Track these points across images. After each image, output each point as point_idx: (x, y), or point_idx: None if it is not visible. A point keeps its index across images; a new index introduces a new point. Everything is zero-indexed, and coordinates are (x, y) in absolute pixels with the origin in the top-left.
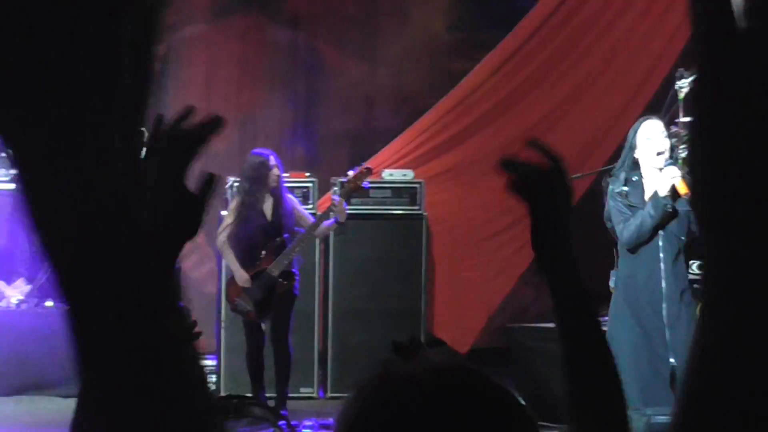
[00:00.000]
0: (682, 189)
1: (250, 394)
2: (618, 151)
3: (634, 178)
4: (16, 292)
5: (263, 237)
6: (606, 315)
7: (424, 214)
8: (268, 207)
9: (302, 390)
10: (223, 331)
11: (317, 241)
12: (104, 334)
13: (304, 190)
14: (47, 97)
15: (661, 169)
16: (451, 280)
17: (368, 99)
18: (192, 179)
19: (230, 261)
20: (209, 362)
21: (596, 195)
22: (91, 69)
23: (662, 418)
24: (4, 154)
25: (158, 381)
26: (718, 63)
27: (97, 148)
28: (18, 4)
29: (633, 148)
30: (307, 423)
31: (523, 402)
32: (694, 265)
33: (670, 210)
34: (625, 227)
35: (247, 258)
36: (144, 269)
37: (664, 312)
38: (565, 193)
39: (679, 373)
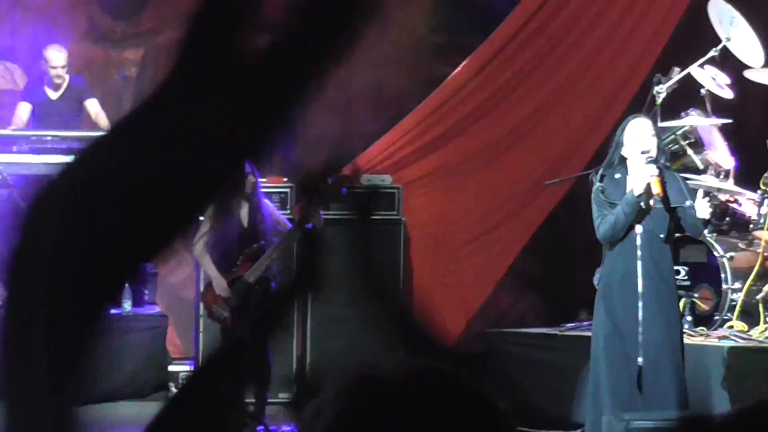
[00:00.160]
0: (656, 188)
1: None
2: (597, 154)
3: (616, 176)
4: None
5: (240, 244)
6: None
7: (402, 219)
8: (244, 213)
9: (281, 395)
10: (201, 337)
11: (294, 246)
12: None
13: (282, 195)
14: None
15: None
16: (429, 285)
17: (347, 103)
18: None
19: (208, 268)
20: (187, 367)
21: (575, 199)
22: None
23: (641, 423)
24: None
25: None
26: None
27: None
28: None
29: (620, 145)
30: (286, 428)
31: (501, 406)
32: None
33: (644, 207)
34: (600, 223)
35: (223, 265)
36: None
37: (640, 311)
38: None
39: (647, 374)
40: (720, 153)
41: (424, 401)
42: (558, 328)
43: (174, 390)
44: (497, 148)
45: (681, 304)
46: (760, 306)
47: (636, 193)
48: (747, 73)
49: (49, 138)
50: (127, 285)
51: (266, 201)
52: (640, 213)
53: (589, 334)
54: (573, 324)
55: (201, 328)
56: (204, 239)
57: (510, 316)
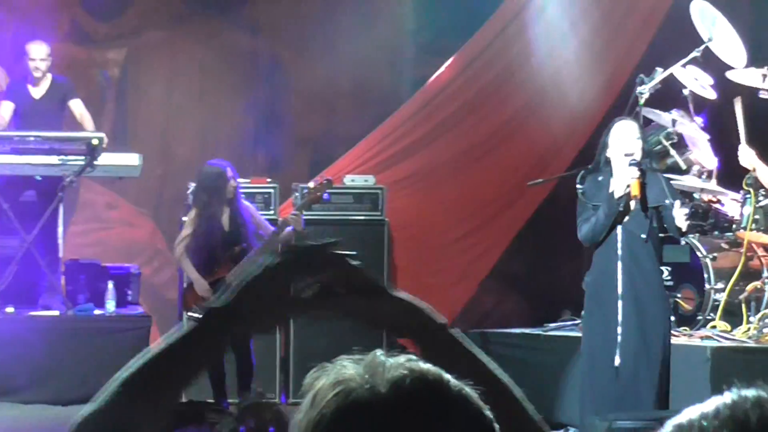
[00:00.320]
0: (634, 190)
1: (211, 401)
2: (580, 155)
3: (599, 178)
4: None
5: (222, 247)
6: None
7: (386, 219)
8: (225, 217)
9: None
10: None
11: (279, 247)
12: None
13: (266, 195)
14: None
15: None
16: (412, 285)
17: (329, 104)
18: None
19: (189, 271)
20: None
21: (558, 199)
22: None
23: (624, 424)
24: None
25: None
26: None
27: None
28: None
29: (605, 147)
30: (269, 429)
31: (488, 412)
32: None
33: (622, 209)
34: (582, 225)
35: (205, 268)
36: None
37: (619, 312)
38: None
39: (623, 376)
40: (703, 153)
41: (407, 408)
42: (541, 329)
43: None
44: (481, 149)
45: None
46: (743, 306)
47: (616, 195)
48: (729, 74)
49: (32, 138)
50: (111, 286)
51: (247, 204)
52: (621, 214)
53: (572, 334)
54: (556, 324)
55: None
56: (185, 242)
57: (493, 317)
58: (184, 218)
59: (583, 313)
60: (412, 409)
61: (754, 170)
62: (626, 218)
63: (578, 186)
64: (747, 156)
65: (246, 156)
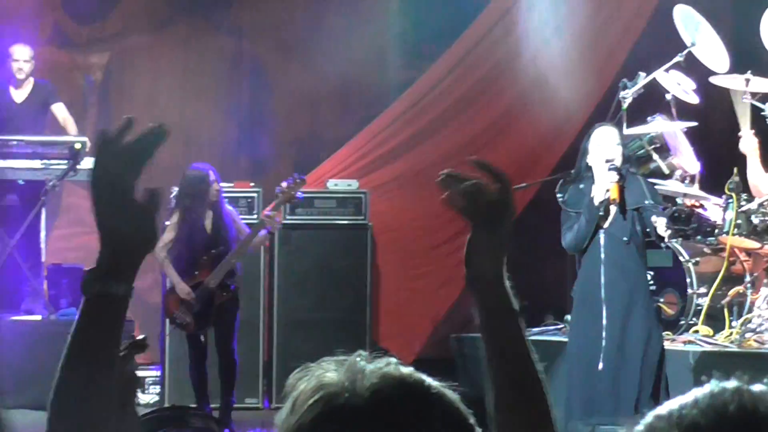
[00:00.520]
0: (613, 195)
1: (194, 405)
2: (563, 159)
3: (581, 186)
4: None
5: (204, 251)
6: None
7: (369, 223)
8: (208, 221)
9: (247, 400)
10: (167, 342)
11: (262, 250)
12: None
13: (249, 199)
14: None
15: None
16: (396, 289)
17: (313, 108)
18: (138, 193)
19: (171, 275)
20: (153, 372)
21: (542, 204)
22: None
23: (606, 428)
24: None
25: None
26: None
27: None
28: None
29: (586, 153)
30: None
31: (470, 416)
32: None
33: (602, 214)
34: (565, 233)
35: (187, 271)
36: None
37: (604, 315)
38: (505, 212)
39: (605, 380)
40: (686, 158)
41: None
42: None
43: (139, 395)
44: (463, 153)
45: None
46: (725, 310)
47: (596, 201)
48: (712, 79)
49: (15, 143)
50: None
51: (230, 209)
52: (603, 218)
53: (555, 338)
54: (539, 329)
55: (167, 333)
56: (167, 246)
57: (476, 322)
58: (167, 222)
59: (570, 316)
60: (391, 415)
61: (737, 174)
62: (607, 223)
63: (558, 195)
64: (749, 142)
65: (229, 160)
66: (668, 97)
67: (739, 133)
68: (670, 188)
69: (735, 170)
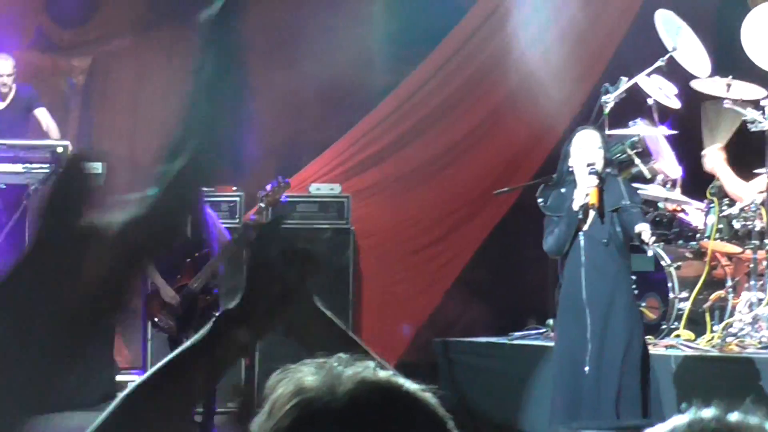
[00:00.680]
0: (592, 199)
1: None
2: (545, 164)
3: (562, 190)
4: None
5: (186, 254)
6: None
7: (352, 228)
8: (188, 225)
9: (230, 405)
10: (149, 346)
11: (244, 254)
12: None
13: (231, 204)
14: None
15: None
16: (378, 294)
17: (295, 112)
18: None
19: (155, 278)
20: (135, 377)
21: (524, 208)
22: None
23: None
24: None
25: None
26: None
27: None
28: None
29: (567, 156)
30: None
31: (449, 420)
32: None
33: (581, 217)
34: (547, 237)
35: (169, 275)
36: None
37: (588, 319)
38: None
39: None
40: (667, 162)
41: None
42: (506, 337)
43: None
44: (446, 157)
45: None
46: (707, 315)
47: (576, 205)
48: (693, 83)
49: None
50: None
51: (209, 211)
52: (583, 221)
53: (537, 343)
54: (521, 333)
55: (149, 338)
56: None
57: (459, 325)
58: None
59: (553, 320)
60: (368, 421)
61: (718, 179)
62: (587, 225)
63: (539, 200)
64: (713, 159)
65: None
66: (650, 101)
67: (702, 152)
68: (651, 193)
69: (717, 175)
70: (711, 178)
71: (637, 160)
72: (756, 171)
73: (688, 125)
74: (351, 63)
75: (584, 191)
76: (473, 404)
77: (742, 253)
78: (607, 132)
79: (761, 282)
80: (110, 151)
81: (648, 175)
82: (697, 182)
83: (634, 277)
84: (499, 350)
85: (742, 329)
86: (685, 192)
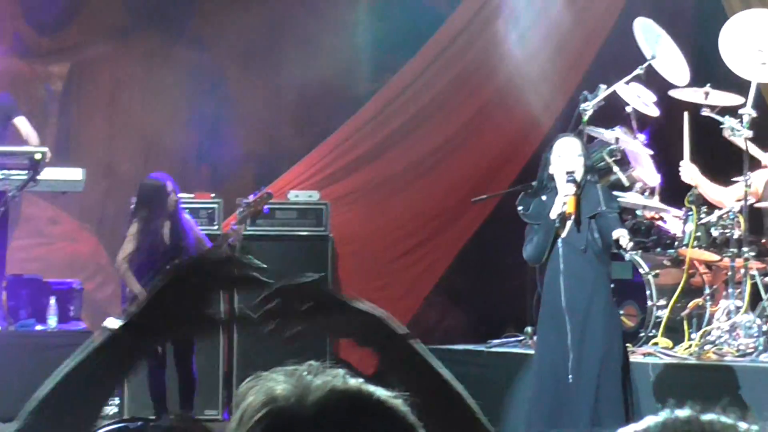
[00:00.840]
0: (569, 207)
1: (153, 417)
2: (523, 171)
3: (543, 197)
4: None
5: (163, 261)
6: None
7: (330, 235)
8: (166, 231)
9: (207, 412)
10: None
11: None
12: None
13: (210, 210)
14: None
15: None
16: None
17: (274, 119)
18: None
19: (132, 285)
20: None
21: (502, 215)
22: None
23: None
24: None
25: None
26: None
27: None
28: None
29: (548, 164)
30: None
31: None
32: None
33: (558, 225)
34: (526, 245)
35: (148, 282)
36: None
37: (567, 326)
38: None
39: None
40: (646, 170)
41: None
42: (485, 345)
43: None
44: (424, 164)
45: None
46: (685, 323)
47: (553, 213)
48: (672, 92)
49: None
50: (53, 301)
51: (187, 217)
52: (561, 228)
53: (515, 350)
54: (500, 340)
55: None
56: (128, 256)
57: (437, 333)
58: (127, 233)
59: (530, 328)
60: (336, 429)
61: (697, 186)
62: (565, 232)
63: (519, 207)
64: (689, 172)
65: (190, 170)
66: (628, 109)
67: (681, 163)
68: (630, 200)
69: (695, 183)
70: (689, 186)
71: (615, 168)
72: (733, 180)
73: (667, 133)
74: (330, 70)
75: (561, 199)
76: None
77: (720, 261)
78: (589, 134)
79: (739, 290)
80: (88, 157)
81: (626, 183)
82: (676, 190)
83: (612, 285)
84: (478, 358)
85: (720, 337)
86: (663, 200)
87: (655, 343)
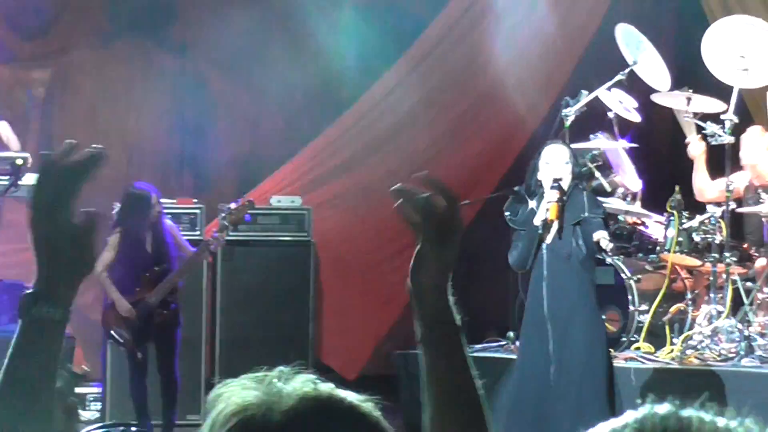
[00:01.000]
0: (552, 214)
1: (134, 422)
2: (506, 176)
3: (531, 204)
4: None
5: (145, 269)
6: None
7: (312, 240)
8: (148, 240)
9: (189, 417)
10: (108, 358)
11: (204, 266)
12: None
13: (192, 216)
14: None
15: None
16: (339, 306)
17: (256, 125)
18: (77, 216)
19: (111, 292)
20: (95, 389)
21: (483, 221)
22: None
23: None
24: None
25: None
26: None
27: None
28: None
29: (536, 170)
30: None
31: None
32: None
33: (541, 232)
34: (512, 251)
35: (127, 288)
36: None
37: (549, 333)
38: (454, 228)
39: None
40: (628, 176)
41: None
42: None
43: (80, 411)
44: (406, 170)
45: None
46: (667, 327)
47: (536, 221)
48: (654, 97)
49: None
50: None
51: (170, 224)
52: (545, 235)
53: (497, 355)
54: (481, 346)
55: (108, 349)
56: (107, 263)
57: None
58: (108, 240)
59: (512, 333)
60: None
61: (678, 192)
62: (549, 238)
63: (506, 213)
64: (698, 147)
65: (172, 176)
66: (610, 115)
67: (687, 140)
68: (612, 206)
69: (677, 188)
70: (671, 191)
71: (597, 174)
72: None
73: (649, 138)
74: (313, 76)
75: (545, 206)
76: None
77: (702, 266)
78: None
79: (720, 295)
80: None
81: (608, 189)
82: (657, 195)
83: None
84: None
85: (701, 342)
86: (645, 205)
87: (637, 348)
